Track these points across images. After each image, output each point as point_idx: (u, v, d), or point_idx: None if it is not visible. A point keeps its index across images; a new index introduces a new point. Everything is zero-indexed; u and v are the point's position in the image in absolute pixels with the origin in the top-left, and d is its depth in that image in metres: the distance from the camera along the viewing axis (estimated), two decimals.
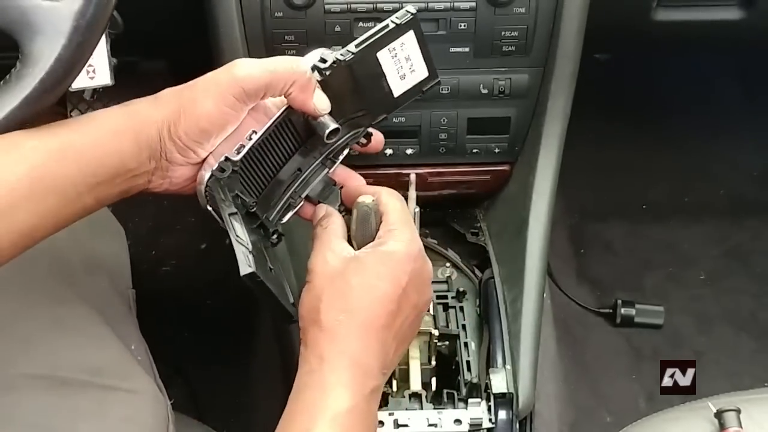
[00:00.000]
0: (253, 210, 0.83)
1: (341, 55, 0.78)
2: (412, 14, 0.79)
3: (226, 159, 0.80)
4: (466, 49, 1.01)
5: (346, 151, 0.87)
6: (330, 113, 0.80)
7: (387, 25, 0.79)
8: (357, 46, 0.79)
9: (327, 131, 0.79)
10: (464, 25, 0.99)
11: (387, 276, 0.71)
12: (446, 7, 0.98)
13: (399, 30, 0.79)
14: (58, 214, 0.71)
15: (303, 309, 0.72)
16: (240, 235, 0.76)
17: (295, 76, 0.74)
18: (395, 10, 0.96)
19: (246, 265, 0.72)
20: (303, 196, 0.87)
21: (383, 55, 0.81)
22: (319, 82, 0.78)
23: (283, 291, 0.84)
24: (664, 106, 1.85)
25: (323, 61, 0.78)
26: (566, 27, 1.01)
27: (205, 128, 0.73)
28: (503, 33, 1.00)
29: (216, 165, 0.78)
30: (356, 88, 0.81)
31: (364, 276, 0.71)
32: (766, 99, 1.83)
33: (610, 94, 1.75)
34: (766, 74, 1.80)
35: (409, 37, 0.80)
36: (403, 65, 0.82)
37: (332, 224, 0.77)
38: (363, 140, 0.87)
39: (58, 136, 0.71)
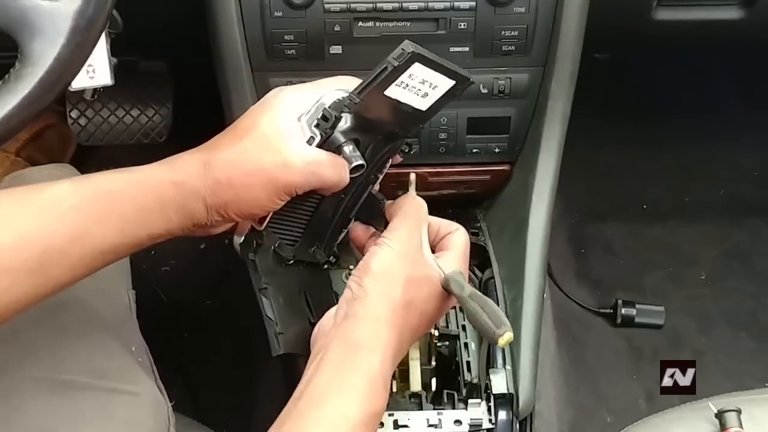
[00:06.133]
0: (291, 262, 0.86)
1: (346, 105, 0.75)
2: (409, 53, 0.73)
3: (252, 230, 0.82)
4: (466, 49, 1.01)
5: (388, 165, 0.87)
6: (360, 139, 0.80)
7: (386, 68, 0.73)
8: (359, 93, 0.75)
9: (351, 167, 0.79)
10: (464, 25, 0.99)
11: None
12: (446, 6, 0.98)
13: (399, 69, 0.74)
14: (94, 267, 0.73)
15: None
16: (269, 313, 0.81)
17: (337, 187, 0.79)
18: (395, 10, 0.97)
19: (275, 347, 0.79)
20: (352, 216, 0.88)
21: (393, 91, 0.76)
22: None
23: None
24: (664, 106, 1.85)
25: (325, 119, 0.76)
26: (566, 26, 1.01)
27: (256, 213, 0.78)
28: (503, 32, 1.00)
29: (242, 238, 0.81)
30: (379, 114, 0.79)
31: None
32: (766, 99, 1.83)
33: (610, 94, 1.75)
34: (766, 74, 1.80)
35: (416, 67, 0.75)
36: (420, 88, 0.78)
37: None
38: (405, 148, 0.87)
39: (101, 199, 0.72)
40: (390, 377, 0.74)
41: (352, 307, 0.74)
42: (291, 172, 0.75)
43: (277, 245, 0.84)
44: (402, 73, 0.74)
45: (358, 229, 0.88)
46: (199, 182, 0.74)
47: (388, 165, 0.87)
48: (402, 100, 0.77)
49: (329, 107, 0.76)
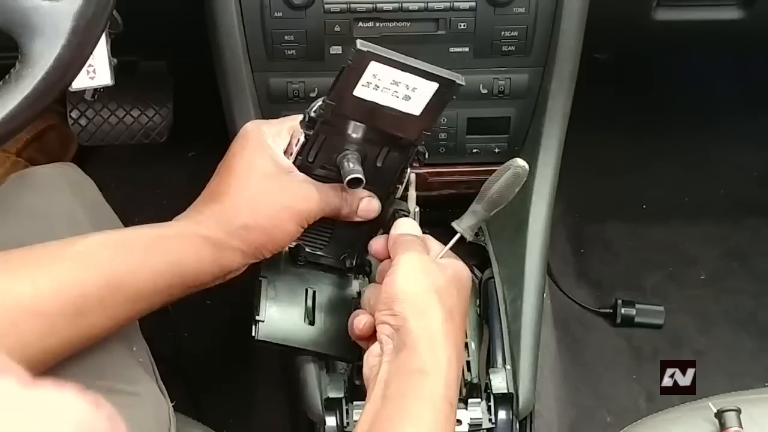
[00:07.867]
0: (302, 264, 0.90)
1: (321, 107, 0.77)
2: (357, 51, 0.72)
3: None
4: (466, 49, 1.01)
5: (407, 174, 0.87)
6: (367, 153, 0.81)
7: (343, 67, 0.74)
8: (328, 94, 0.76)
9: (346, 180, 0.80)
10: (464, 25, 0.99)
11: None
12: (446, 7, 0.98)
13: (355, 68, 0.73)
14: (130, 316, 0.76)
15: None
16: (254, 300, 0.86)
17: (348, 216, 0.85)
18: (395, 10, 0.97)
19: (252, 333, 0.86)
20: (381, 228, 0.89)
21: (362, 92, 0.75)
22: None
23: (318, 341, 0.89)
24: (663, 106, 1.85)
25: (304, 120, 0.79)
26: (566, 27, 1.01)
27: (287, 243, 0.85)
28: (503, 33, 1.00)
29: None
30: (364, 118, 0.79)
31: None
32: (766, 99, 1.83)
33: (610, 94, 1.75)
34: (766, 74, 1.80)
35: (376, 66, 0.74)
36: (396, 90, 0.76)
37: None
38: (420, 158, 0.85)
39: (136, 252, 0.74)
40: (456, 398, 0.73)
41: (399, 339, 0.73)
42: (311, 202, 0.80)
43: (293, 246, 0.88)
44: (361, 72, 0.74)
45: (377, 242, 0.85)
46: (230, 237, 0.78)
47: (406, 174, 0.87)
48: (380, 102, 0.76)
49: (308, 111, 0.79)
